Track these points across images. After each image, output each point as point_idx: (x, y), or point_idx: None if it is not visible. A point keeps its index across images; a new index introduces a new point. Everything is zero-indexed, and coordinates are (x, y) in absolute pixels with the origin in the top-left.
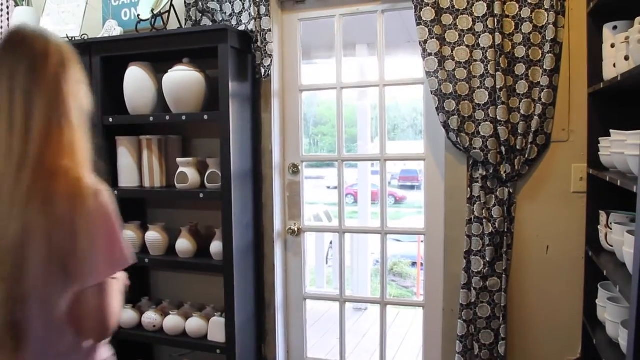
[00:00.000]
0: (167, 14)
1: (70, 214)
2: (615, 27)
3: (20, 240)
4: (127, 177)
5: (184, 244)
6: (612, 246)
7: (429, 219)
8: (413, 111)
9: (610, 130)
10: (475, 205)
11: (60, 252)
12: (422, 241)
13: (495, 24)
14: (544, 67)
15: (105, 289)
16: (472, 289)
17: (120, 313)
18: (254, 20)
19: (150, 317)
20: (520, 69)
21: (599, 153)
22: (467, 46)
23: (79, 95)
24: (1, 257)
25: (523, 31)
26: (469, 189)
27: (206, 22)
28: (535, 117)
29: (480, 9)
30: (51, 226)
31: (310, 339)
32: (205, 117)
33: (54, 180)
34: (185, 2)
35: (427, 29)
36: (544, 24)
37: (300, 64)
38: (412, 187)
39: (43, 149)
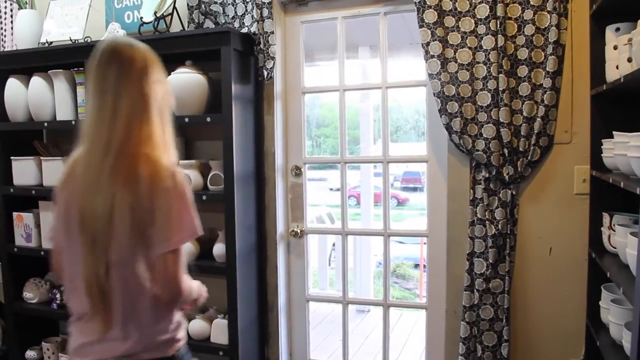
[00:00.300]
0: (169, 17)
1: (150, 190)
2: (617, 29)
3: (108, 213)
4: None
5: (187, 246)
6: (615, 248)
7: (432, 220)
8: (415, 113)
9: (613, 132)
10: (478, 207)
11: (142, 223)
12: (424, 243)
13: (498, 26)
14: (547, 69)
15: (177, 255)
16: (475, 290)
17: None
18: (256, 23)
19: None
20: (522, 71)
21: (602, 155)
22: (470, 48)
23: (158, 94)
24: (92, 227)
25: (525, 33)
26: (471, 190)
27: (209, 24)
28: (538, 119)
29: (483, 11)
30: (134, 201)
31: (313, 341)
32: (208, 119)
33: (135, 163)
34: (188, 4)
35: (429, 31)
36: (546, 26)
37: (303, 65)
38: (414, 189)
39: (125, 139)
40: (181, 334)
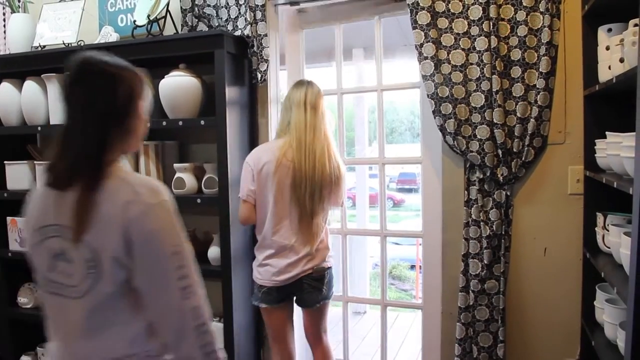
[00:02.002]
0: (163, 20)
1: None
2: (610, 30)
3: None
4: None
5: None
6: (609, 248)
7: (427, 221)
8: (410, 114)
9: (606, 132)
10: (472, 208)
11: (331, 188)
12: (420, 244)
13: (491, 27)
14: (540, 69)
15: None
16: (471, 291)
17: None
18: (249, 26)
19: None
20: (516, 71)
21: (595, 155)
22: (463, 49)
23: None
24: (311, 185)
25: (518, 34)
26: (466, 191)
27: (202, 27)
28: (532, 120)
29: (476, 12)
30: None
31: None
32: (202, 122)
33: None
34: (181, 7)
35: (422, 33)
36: (539, 26)
37: (303, 68)
38: (410, 190)
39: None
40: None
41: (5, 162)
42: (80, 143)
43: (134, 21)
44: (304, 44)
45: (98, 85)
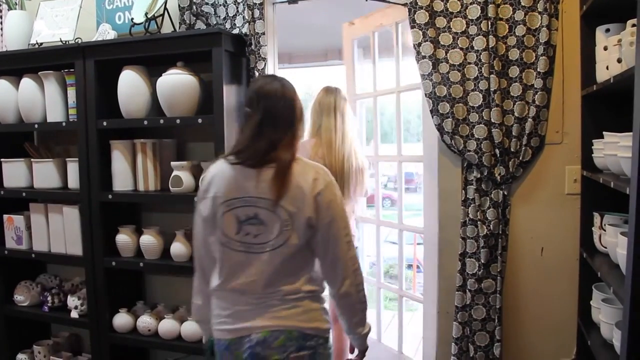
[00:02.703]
0: (161, 18)
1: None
2: (608, 30)
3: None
4: (122, 181)
5: (179, 248)
6: (606, 248)
7: (426, 220)
8: (408, 114)
9: (604, 132)
10: (469, 208)
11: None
12: (418, 243)
13: (489, 26)
14: (538, 69)
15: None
16: (467, 291)
17: None
18: (247, 24)
19: (145, 321)
20: (514, 71)
21: (593, 155)
22: (461, 49)
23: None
24: (340, 179)
25: (517, 34)
26: (463, 191)
27: (200, 25)
28: (529, 120)
29: (474, 11)
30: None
31: None
32: (200, 120)
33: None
34: (179, 5)
35: (420, 32)
36: (537, 26)
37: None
38: (407, 189)
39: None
40: None
41: (2, 159)
42: (275, 135)
43: (132, 19)
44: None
45: (288, 103)
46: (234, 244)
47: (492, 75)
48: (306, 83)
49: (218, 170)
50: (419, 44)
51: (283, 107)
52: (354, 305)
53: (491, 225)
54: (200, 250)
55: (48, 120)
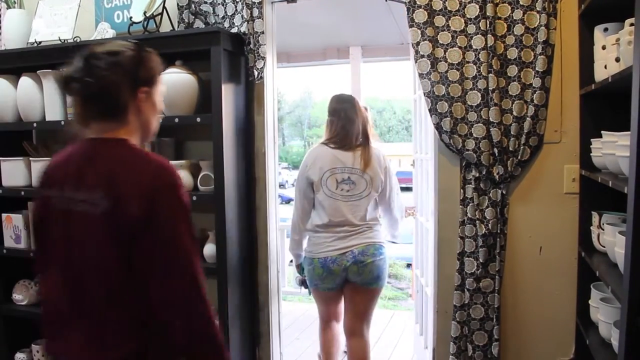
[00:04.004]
0: (159, 17)
1: None
2: (606, 29)
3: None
4: None
5: None
6: (604, 247)
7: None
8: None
9: (602, 132)
10: (468, 207)
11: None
12: None
13: (488, 25)
14: (536, 68)
15: None
16: (466, 290)
17: None
18: (246, 23)
19: None
20: (512, 70)
21: (591, 154)
22: (460, 47)
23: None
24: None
25: (515, 33)
26: (462, 190)
27: (199, 24)
28: (528, 119)
29: (473, 10)
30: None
31: (305, 341)
32: (198, 119)
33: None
34: (177, 4)
35: (419, 31)
36: (535, 25)
37: None
38: (407, 189)
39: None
40: None
41: (0, 158)
42: (357, 129)
43: (130, 18)
44: None
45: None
46: (336, 195)
47: (490, 75)
48: (305, 82)
49: (320, 151)
50: (418, 43)
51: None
52: (397, 222)
53: (490, 225)
54: (304, 203)
55: (47, 119)
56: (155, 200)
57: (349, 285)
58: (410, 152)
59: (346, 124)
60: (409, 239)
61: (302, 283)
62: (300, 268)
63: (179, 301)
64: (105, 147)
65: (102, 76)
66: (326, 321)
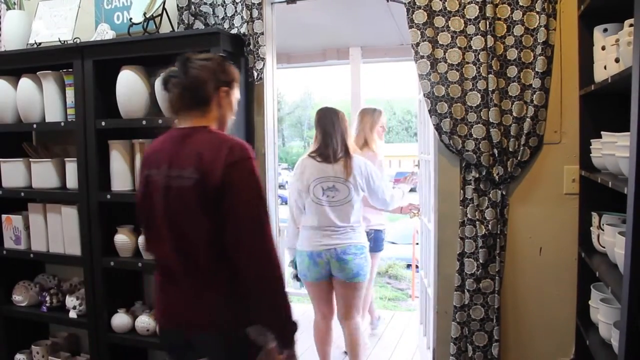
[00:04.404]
0: (159, 18)
1: None
2: (605, 30)
3: None
4: (120, 181)
5: None
6: (604, 247)
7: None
8: (407, 113)
9: (602, 132)
10: (468, 208)
11: None
12: (417, 243)
13: (487, 26)
14: (536, 69)
15: None
16: (466, 291)
17: None
18: (246, 24)
19: (144, 321)
20: (512, 71)
21: (591, 155)
22: (460, 48)
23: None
24: None
25: (515, 34)
26: (461, 191)
27: (199, 25)
28: (528, 119)
29: (472, 11)
30: None
31: (305, 342)
32: None
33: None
34: (177, 5)
35: (419, 32)
36: (535, 26)
37: None
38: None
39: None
40: None
41: (0, 159)
42: (338, 142)
43: (130, 19)
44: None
45: (340, 119)
46: (322, 202)
47: (490, 75)
48: (305, 83)
49: (308, 163)
50: (417, 44)
51: (338, 125)
52: (386, 202)
53: (490, 225)
54: (295, 209)
55: (47, 120)
56: (230, 171)
57: (335, 280)
58: (410, 152)
59: (326, 138)
60: (409, 239)
61: (295, 277)
62: (294, 264)
63: (247, 242)
64: (192, 133)
65: (194, 73)
66: (318, 315)
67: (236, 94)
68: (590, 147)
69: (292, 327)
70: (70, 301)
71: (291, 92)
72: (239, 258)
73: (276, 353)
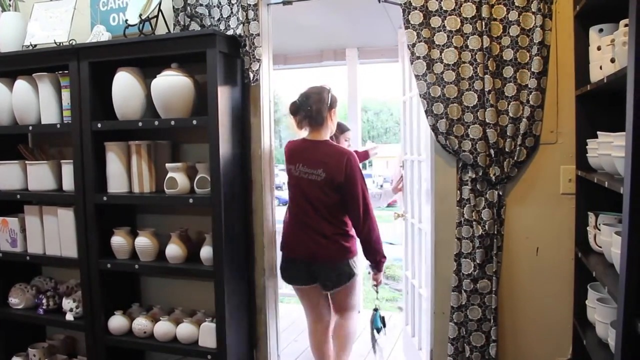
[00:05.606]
0: (155, 19)
1: None
2: (601, 30)
3: None
4: (116, 183)
5: (174, 250)
6: (600, 247)
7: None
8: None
9: (598, 132)
10: (465, 208)
11: None
12: None
13: (484, 26)
14: (532, 69)
15: None
16: (463, 291)
17: None
18: (242, 25)
19: (141, 323)
20: (508, 71)
21: (587, 155)
22: (456, 47)
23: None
24: None
25: (511, 34)
26: (458, 191)
27: (194, 26)
28: (524, 120)
29: (469, 10)
30: None
31: (303, 343)
32: (194, 122)
33: None
34: (173, 7)
35: (415, 33)
36: (531, 26)
37: None
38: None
39: None
40: None
41: None
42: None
43: (126, 20)
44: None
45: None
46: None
47: (486, 76)
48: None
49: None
50: (413, 45)
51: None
52: None
53: (486, 226)
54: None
55: (42, 122)
56: (346, 172)
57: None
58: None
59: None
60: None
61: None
62: None
63: (359, 218)
64: (319, 144)
65: (314, 104)
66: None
67: (337, 113)
68: (587, 147)
69: (383, 259)
70: (67, 303)
71: (288, 93)
72: (356, 219)
73: (373, 274)
